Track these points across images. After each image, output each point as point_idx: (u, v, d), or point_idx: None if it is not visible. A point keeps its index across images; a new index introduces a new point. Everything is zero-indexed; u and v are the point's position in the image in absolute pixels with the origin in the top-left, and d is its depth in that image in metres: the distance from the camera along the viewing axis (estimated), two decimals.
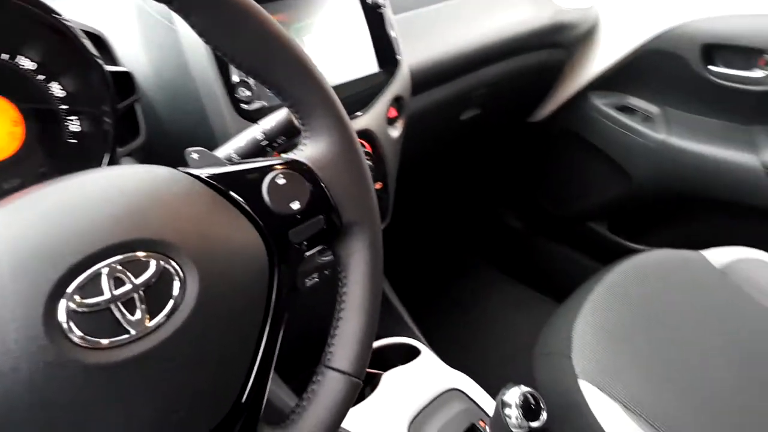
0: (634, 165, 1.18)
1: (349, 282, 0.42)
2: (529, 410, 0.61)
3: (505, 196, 1.45)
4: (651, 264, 0.90)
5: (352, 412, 0.78)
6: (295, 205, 0.40)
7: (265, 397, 0.37)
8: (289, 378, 0.77)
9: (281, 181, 0.39)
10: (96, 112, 0.53)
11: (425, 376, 0.78)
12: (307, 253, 0.41)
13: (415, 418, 0.74)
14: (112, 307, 0.31)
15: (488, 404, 0.76)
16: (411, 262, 1.05)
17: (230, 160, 0.45)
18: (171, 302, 0.32)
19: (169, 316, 0.32)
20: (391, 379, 0.78)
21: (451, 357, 0.86)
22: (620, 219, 1.28)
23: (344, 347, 0.42)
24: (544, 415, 0.61)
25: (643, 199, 1.21)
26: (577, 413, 0.70)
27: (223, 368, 0.35)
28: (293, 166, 0.41)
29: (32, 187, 0.33)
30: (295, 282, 0.41)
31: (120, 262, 0.31)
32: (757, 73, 1.01)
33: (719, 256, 0.92)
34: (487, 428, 0.66)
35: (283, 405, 0.76)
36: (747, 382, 0.74)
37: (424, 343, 0.90)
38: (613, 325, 0.79)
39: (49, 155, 0.52)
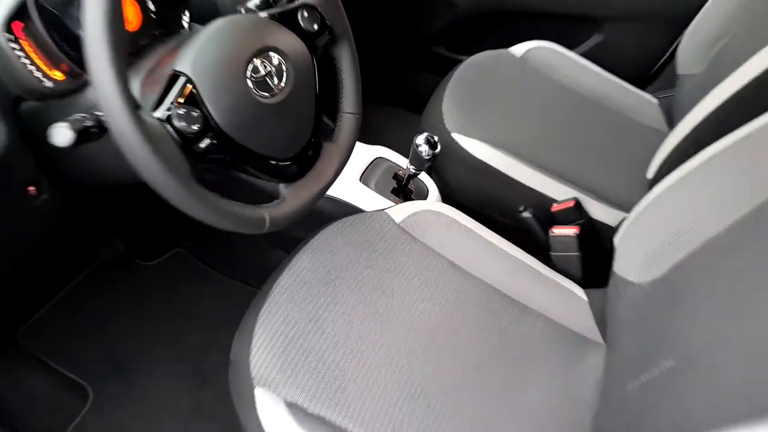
0: None
1: (342, 58, 0.79)
2: (430, 145, 1.05)
3: (368, 40, 1.80)
4: (479, 62, 1.36)
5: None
6: (315, 26, 0.75)
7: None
8: None
9: (305, 14, 0.74)
10: None
11: (357, 154, 1.19)
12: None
13: (360, 178, 1.15)
14: (267, 78, 0.66)
15: (402, 161, 1.20)
16: None
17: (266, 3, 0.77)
18: (284, 76, 0.68)
19: (286, 83, 0.68)
20: None
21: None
22: (454, 39, 1.72)
23: (349, 97, 0.80)
24: (439, 146, 1.06)
25: (468, 20, 1.64)
26: (452, 153, 1.16)
27: (307, 115, 0.73)
28: (307, 5, 0.75)
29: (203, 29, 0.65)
30: None
31: (262, 57, 0.66)
32: None
33: (519, 49, 1.40)
34: (408, 169, 1.09)
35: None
36: (565, 126, 1.26)
37: None
38: (468, 99, 1.24)
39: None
